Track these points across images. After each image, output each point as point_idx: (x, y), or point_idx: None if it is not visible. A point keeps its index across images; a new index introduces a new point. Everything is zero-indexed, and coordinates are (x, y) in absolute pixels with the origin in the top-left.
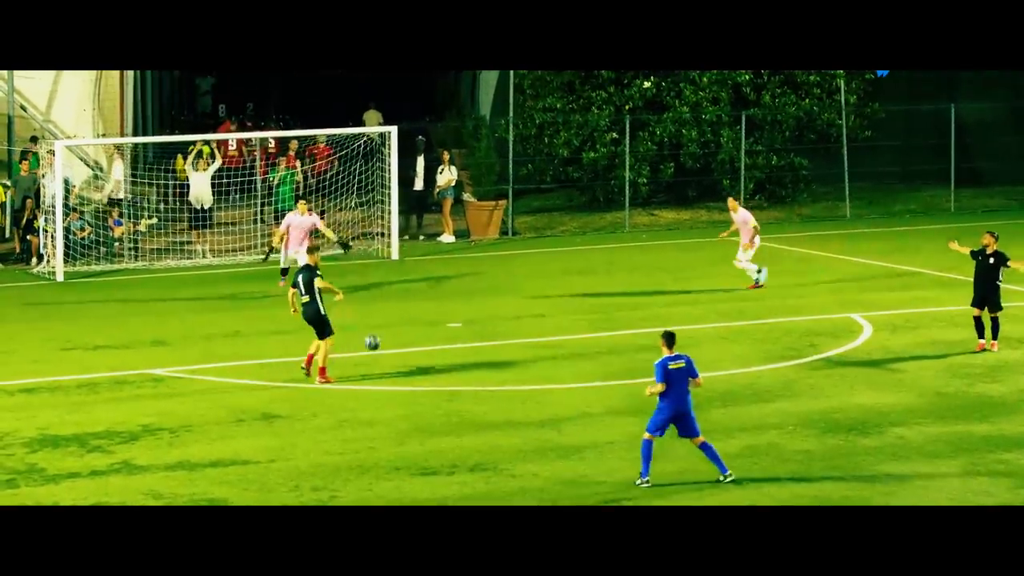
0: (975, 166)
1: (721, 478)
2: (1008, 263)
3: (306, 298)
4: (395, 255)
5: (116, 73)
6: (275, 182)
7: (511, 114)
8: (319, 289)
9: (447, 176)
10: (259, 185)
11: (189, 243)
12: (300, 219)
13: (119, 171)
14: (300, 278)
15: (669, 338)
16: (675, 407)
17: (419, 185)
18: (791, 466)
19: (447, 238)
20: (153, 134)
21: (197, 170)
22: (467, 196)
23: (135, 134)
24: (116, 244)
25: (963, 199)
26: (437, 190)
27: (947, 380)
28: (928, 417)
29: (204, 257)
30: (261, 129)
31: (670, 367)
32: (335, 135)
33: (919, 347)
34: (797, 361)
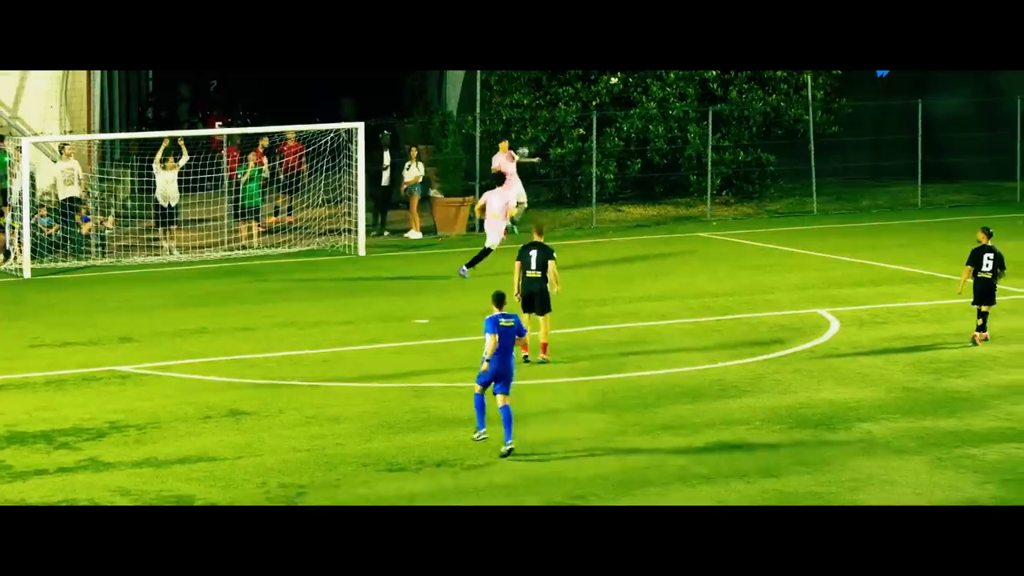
0: (943, 162)
1: (504, 448)
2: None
3: (537, 273)
4: (362, 251)
5: (83, 71)
6: (244, 178)
7: (478, 110)
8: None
9: (414, 172)
10: (227, 182)
11: (156, 240)
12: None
13: (78, 169)
14: (534, 254)
15: (499, 298)
16: (502, 362)
17: (385, 180)
18: (758, 461)
19: (414, 234)
20: (121, 132)
21: (165, 168)
22: (434, 192)
23: (102, 131)
24: (84, 241)
25: (930, 194)
26: (404, 186)
27: (914, 375)
28: (895, 412)
29: (171, 254)
30: (229, 126)
31: (501, 324)
32: (303, 131)
33: (886, 342)
34: (764, 356)
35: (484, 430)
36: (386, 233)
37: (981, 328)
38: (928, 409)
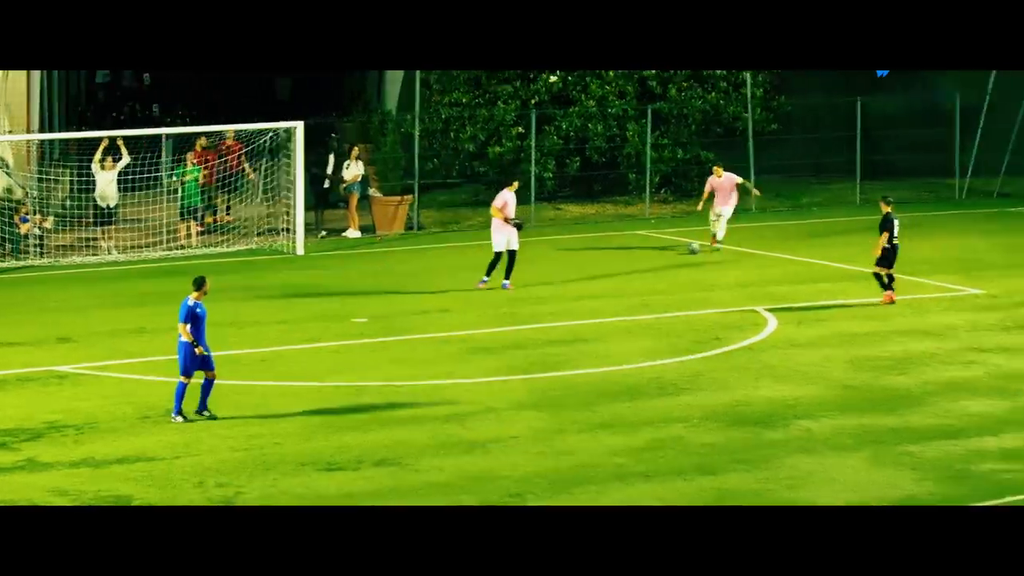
0: (882, 159)
1: (205, 414)
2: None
3: None
4: (300, 250)
5: (22, 71)
6: (184, 178)
7: (417, 109)
8: None
9: (353, 171)
10: (165, 181)
11: (95, 240)
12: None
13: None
14: None
15: (199, 283)
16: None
17: (327, 182)
18: (697, 459)
19: (353, 233)
20: (61, 131)
21: (104, 169)
22: (373, 191)
23: (42, 131)
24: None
25: (869, 192)
26: (343, 185)
27: (853, 372)
28: (834, 409)
29: (110, 254)
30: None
31: (197, 311)
32: (242, 131)
33: (825, 339)
34: (703, 354)
35: (180, 416)
36: (324, 232)
37: (891, 288)
38: (867, 406)
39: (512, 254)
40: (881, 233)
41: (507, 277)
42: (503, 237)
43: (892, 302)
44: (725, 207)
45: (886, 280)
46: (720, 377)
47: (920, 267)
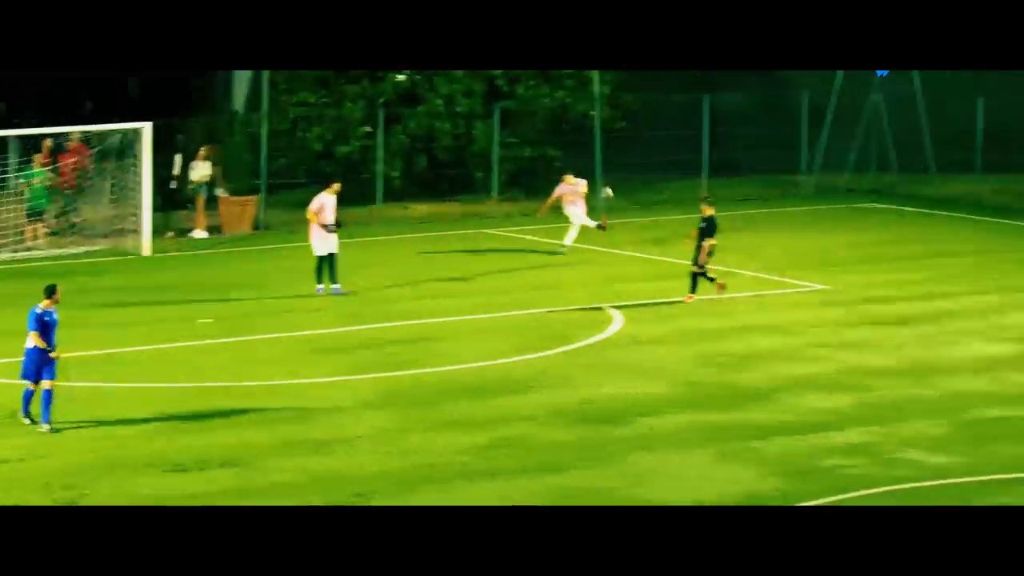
0: (728, 156)
1: (40, 426)
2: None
3: None
4: (147, 251)
5: None
6: (31, 181)
7: (265, 109)
8: None
9: (200, 172)
10: (12, 183)
11: None
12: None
13: None
14: None
15: (50, 291)
16: (42, 354)
17: (174, 183)
18: (543, 457)
19: (200, 233)
20: None
21: None
22: (220, 191)
23: None
24: None
25: (716, 189)
26: (191, 186)
27: (698, 369)
28: (678, 406)
29: None
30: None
31: (45, 319)
32: (89, 132)
33: (670, 337)
34: (549, 352)
35: (27, 417)
36: (171, 233)
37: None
38: (711, 403)
39: (332, 257)
40: (705, 237)
41: (333, 281)
42: (321, 240)
43: (690, 301)
44: (575, 210)
45: (706, 278)
46: (566, 375)
47: (766, 263)
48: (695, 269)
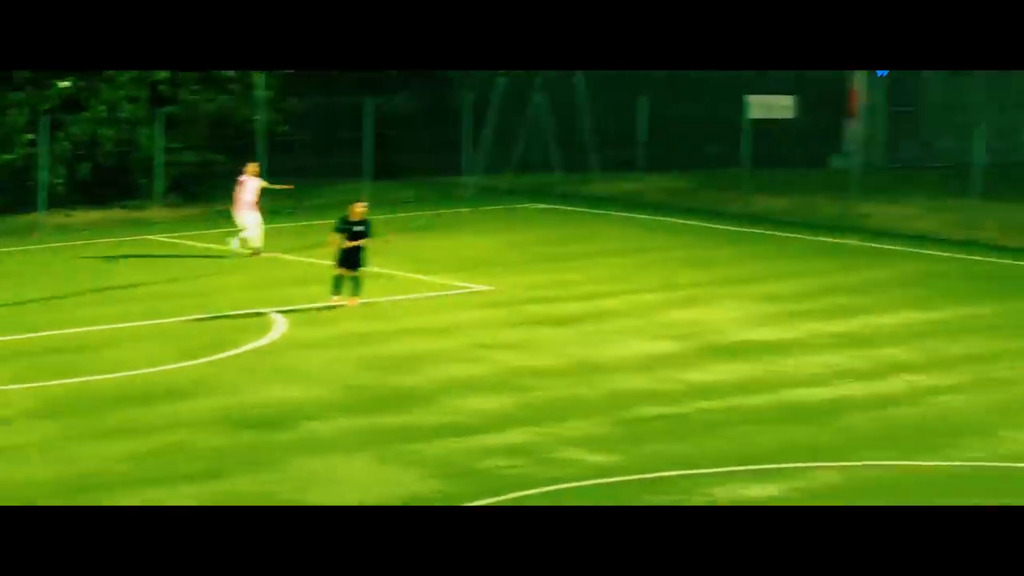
0: (392, 159)
1: None
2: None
3: None
4: None
5: None
6: None
7: None
8: None
9: None
10: None
11: None
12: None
13: None
14: None
15: None
16: None
17: None
18: (204, 463)
19: None
20: None
21: None
22: None
23: None
24: None
25: (380, 192)
26: None
27: (361, 373)
28: (340, 410)
29: None
30: None
31: None
32: None
33: (334, 341)
34: (212, 357)
35: None
36: None
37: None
38: (374, 406)
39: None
40: (360, 239)
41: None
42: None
43: (344, 306)
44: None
45: (337, 287)
46: (229, 380)
47: (428, 266)
48: (348, 273)
